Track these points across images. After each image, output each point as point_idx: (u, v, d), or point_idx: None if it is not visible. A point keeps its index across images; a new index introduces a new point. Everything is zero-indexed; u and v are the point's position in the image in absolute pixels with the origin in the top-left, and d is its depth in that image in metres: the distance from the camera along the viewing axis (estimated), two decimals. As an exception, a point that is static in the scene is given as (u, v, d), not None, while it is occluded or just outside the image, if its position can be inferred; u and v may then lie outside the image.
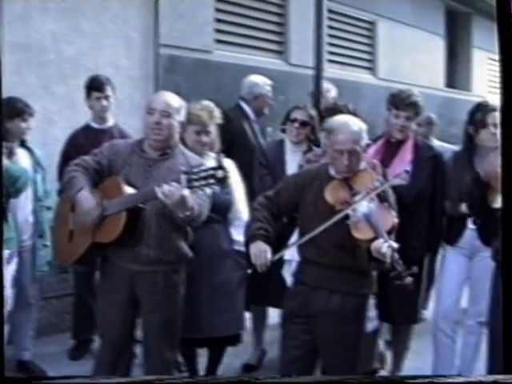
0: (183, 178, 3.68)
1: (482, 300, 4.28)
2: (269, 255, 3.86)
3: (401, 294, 4.74)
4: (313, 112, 5.52)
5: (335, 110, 5.15)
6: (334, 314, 3.96)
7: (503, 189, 0.96)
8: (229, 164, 4.79)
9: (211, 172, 3.66)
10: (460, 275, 5.05)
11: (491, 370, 4.02)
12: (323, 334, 4.01)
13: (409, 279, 3.65)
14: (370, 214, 3.79)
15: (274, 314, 5.65)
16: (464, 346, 5.20)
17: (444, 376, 5.02)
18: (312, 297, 4.00)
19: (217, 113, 4.79)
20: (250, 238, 3.99)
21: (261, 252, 3.87)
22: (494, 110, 4.88)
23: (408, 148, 4.98)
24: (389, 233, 3.75)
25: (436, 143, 6.76)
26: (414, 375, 4.83)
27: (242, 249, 4.80)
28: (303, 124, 5.39)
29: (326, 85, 6.74)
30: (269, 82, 6.72)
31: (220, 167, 3.71)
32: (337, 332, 3.97)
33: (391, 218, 3.86)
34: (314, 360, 4.13)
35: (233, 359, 5.43)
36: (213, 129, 4.73)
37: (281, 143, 5.55)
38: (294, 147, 5.42)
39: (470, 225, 4.82)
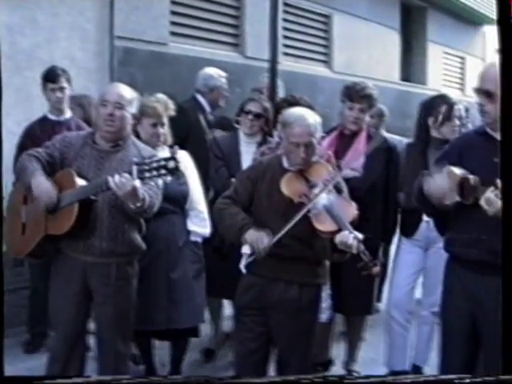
0: (135, 168, 3.68)
1: (436, 290, 4.32)
2: (266, 239, 3.87)
3: (355, 285, 4.83)
4: (267, 104, 5.53)
5: (291, 102, 5.18)
6: (290, 304, 3.98)
7: (503, 189, 0.98)
8: (184, 155, 4.79)
9: (163, 163, 3.66)
10: (414, 266, 5.10)
11: (444, 360, 4.07)
12: (280, 325, 4.03)
13: (376, 269, 3.70)
14: (331, 206, 3.82)
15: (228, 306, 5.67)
16: (418, 337, 5.26)
17: (397, 375, 5.11)
18: (269, 288, 4.02)
19: (171, 105, 4.80)
20: (239, 231, 3.97)
21: (258, 238, 3.89)
22: (456, 103, 4.98)
23: (362, 140, 5.02)
24: (351, 224, 3.78)
25: (386, 135, 6.82)
26: (367, 375, 4.88)
27: (199, 240, 4.81)
28: (257, 116, 5.38)
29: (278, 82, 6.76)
30: (224, 74, 6.72)
31: (171, 158, 3.71)
32: (293, 322, 4.00)
33: (352, 209, 3.90)
34: (269, 352, 4.16)
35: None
36: (166, 121, 4.74)
37: (235, 135, 5.54)
38: (248, 139, 5.43)
39: (425, 217, 4.88)
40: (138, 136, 4.54)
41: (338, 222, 3.75)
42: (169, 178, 3.69)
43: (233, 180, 4.85)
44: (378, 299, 5.92)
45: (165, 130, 4.71)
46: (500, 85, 1.01)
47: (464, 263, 3.84)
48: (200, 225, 4.80)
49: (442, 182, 3.70)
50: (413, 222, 4.99)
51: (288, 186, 3.93)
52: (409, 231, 5.05)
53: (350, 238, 3.66)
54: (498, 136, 3.80)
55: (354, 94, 5.02)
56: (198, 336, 5.07)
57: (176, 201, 4.67)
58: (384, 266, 5.76)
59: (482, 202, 3.54)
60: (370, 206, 4.81)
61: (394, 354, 5.20)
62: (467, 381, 2.44)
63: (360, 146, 4.99)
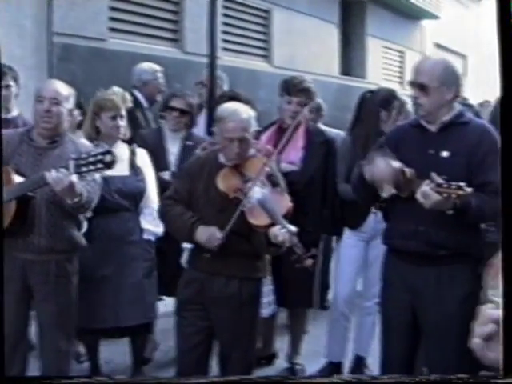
0: (71, 163, 3.68)
1: (379, 281, 4.37)
2: (219, 235, 3.89)
3: (296, 278, 4.86)
4: (192, 100, 5.52)
5: (231, 96, 5.18)
6: (231, 299, 4.00)
7: (503, 188, 0.99)
8: (143, 153, 4.82)
9: (99, 157, 3.66)
10: (358, 260, 5.17)
11: (385, 351, 4.13)
12: (221, 320, 4.04)
13: (309, 261, 3.75)
14: (265, 200, 3.85)
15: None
16: (361, 327, 5.31)
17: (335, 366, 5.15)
18: (209, 283, 4.03)
19: (128, 97, 4.81)
20: (189, 231, 3.97)
21: (211, 234, 3.90)
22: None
23: (300, 134, 5.05)
24: (285, 216, 3.82)
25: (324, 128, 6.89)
26: (320, 375, 4.94)
27: (152, 238, 4.79)
28: (182, 112, 5.38)
29: (219, 73, 6.76)
30: (158, 68, 6.70)
31: (108, 152, 3.71)
32: (235, 316, 4.01)
33: (286, 202, 3.93)
34: (211, 347, 4.17)
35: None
36: (125, 113, 4.74)
37: (159, 131, 5.53)
38: (172, 134, 5.40)
39: (373, 209, 4.92)
40: (97, 132, 4.56)
41: (272, 215, 3.79)
42: (105, 172, 3.70)
43: (159, 174, 4.93)
44: (326, 293, 5.97)
45: (123, 123, 4.71)
46: (500, 84, 1.04)
47: (402, 255, 3.91)
48: (154, 223, 4.75)
49: (384, 165, 3.76)
50: (361, 214, 5.03)
51: (223, 182, 3.96)
52: (356, 223, 5.10)
53: (283, 231, 3.71)
54: (432, 128, 3.88)
55: (292, 87, 5.05)
56: (151, 332, 5.06)
57: (132, 197, 4.66)
58: (327, 259, 5.82)
59: (418, 196, 3.59)
60: (309, 199, 4.87)
61: (333, 345, 5.25)
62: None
63: (298, 141, 5.02)
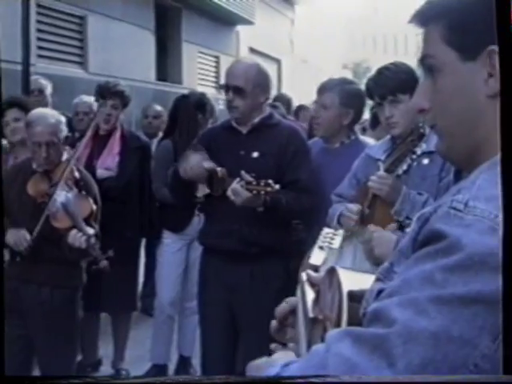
0: None
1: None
2: (27, 236, 3.85)
3: (116, 283, 4.87)
4: None
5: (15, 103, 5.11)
6: (43, 307, 3.96)
7: (503, 188, 1.03)
8: None
9: None
10: (183, 263, 5.25)
11: (204, 349, 4.20)
12: (35, 329, 4.00)
13: (104, 263, 3.80)
14: (68, 203, 3.88)
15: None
16: (185, 328, 5.39)
17: (161, 368, 5.18)
18: (22, 291, 3.97)
19: None
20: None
21: (18, 236, 3.86)
22: None
23: (116, 139, 5.07)
24: (87, 219, 3.85)
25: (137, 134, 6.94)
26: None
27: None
28: None
29: (43, 81, 6.64)
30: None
31: None
32: (47, 325, 3.97)
33: (89, 205, 3.98)
34: (31, 356, 4.11)
35: None
36: None
37: None
38: None
39: (197, 211, 5.01)
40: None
41: (73, 218, 3.83)
42: None
43: None
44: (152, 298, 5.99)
45: None
46: (500, 84, 1.10)
47: (217, 254, 4.00)
48: None
49: (196, 162, 3.86)
50: (185, 217, 5.12)
51: (32, 187, 3.96)
52: (180, 226, 5.19)
53: (78, 235, 3.76)
54: (243, 129, 4.01)
55: (106, 91, 5.08)
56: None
57: None
58: (152, 264, 5.83)
59: (229, 193, 3.71)
60: (126, 204, 4.90)
61: (158, 348, 5.30)
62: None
63: (114, 146, 5.04)
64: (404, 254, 1.27)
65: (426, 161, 3.14)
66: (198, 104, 5.27)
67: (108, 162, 4.94)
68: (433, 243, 1.16)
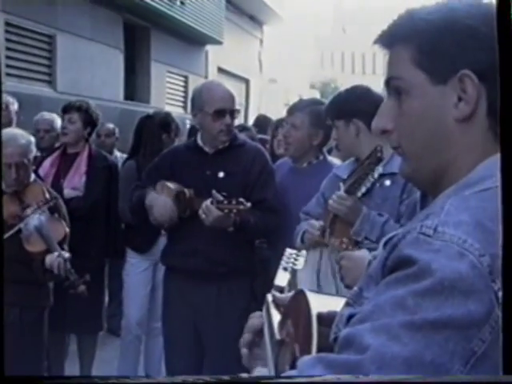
0: None
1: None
2: None
3: (82, 304, 4.84)
4: None
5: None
6: (12, 327, 3.92)
7: (504, 189, 1.02)
8: None
9: None
10: (150, 283, 5.25)
11: (169, 369, 4.21)
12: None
13: (81, 287, 3.80)
14: (41, 227, 3.87)
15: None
16: (151, 348, 5.39)
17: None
18: None
19: None
20: None
21: None
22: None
23: (83, 159, 5.06)
24: (61, 243, 3.85)
25: (117, 154, 6.95)
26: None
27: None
28: None
29: (9, 98, 6.62)
30: None
31: None
32: (17, 346, 3.93)
33: (62, 228, 3.97)
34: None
35: None
36: None
37: None
38: None
39: (163, 232, 5.02)
40: None
41: (47, 242, 3.83)
42: None
43: None
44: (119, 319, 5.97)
45: None
46: (500, 86, 1.09)
47: (182, 273, 4.01)
48: None
49: (165, 206, 3.88)
50: (149, 237, 5.12)
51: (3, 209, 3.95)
52: (145, 246, 5.19)
53: (56, 258, 3.76)
54: (209, 150, 4.03)
55: (66, 106, 5.10)
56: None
57: None
58: (116, 284, 5.81)
59: (200, 212, 3.73)
60: (92, 224, 4.89)
61: (125, 368, 5.27)
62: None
63: (82, 166, 5.04)
64: (374, 279, 1.27)
65: (387, 182, 3.19)
66: (162, 123, 5.28)
67: (75, 182, 4.93)
68: (403, 269, 1.16)
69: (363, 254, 2.92)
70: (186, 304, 4.00)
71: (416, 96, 1.33)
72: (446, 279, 1.10)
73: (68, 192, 4.83)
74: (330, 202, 3.22)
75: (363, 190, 3.13)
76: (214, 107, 3.96)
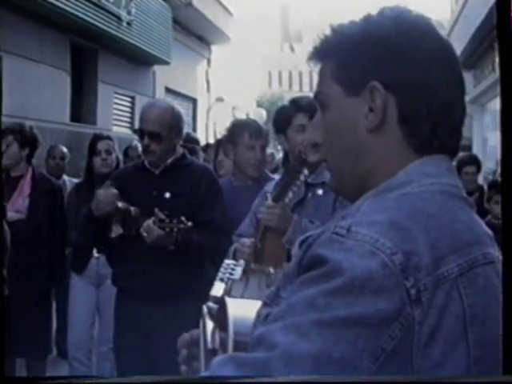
0: None
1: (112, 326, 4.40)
2: None
3: (31, 327, 4.80)
4: None
5: None
6: None
7: (504, 189, 1.01)
8: None
9: None
10: (89, 303, 5.19)
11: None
12: None
13: None
14: None
15: None
16: (101, 372, 5.30)
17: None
18: None
19: None
20: None
21: None
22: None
23: (27, 181, 5.02)
24: None
25: (65, 178, 6.90)
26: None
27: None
28: None
29: None
30: None
31: None
32: None
33: None
34: None
35: None
36: None
37: None
38: None
39: (96, 253, 4.99)
40: None
41: None
42: None
43: None
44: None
45: None
46: (500, 84, 1.09)
47: (131, 295, 3.98)
48: None
49: (107, 196, 3.86)
50: (82, 258, 5.10)
51: None
52: (79, 267, 5.14)
53: None
54: (155, 170, 4.03)
55: (3, 130, 5.03)
56: None
57: None
58: (62, 307, 5.75)
59: (142, 230, 3.73)
60: (36, 247, 4.85)
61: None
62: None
63: (25, 189, 4.99)
64: (289, 278, 1.27)
65: (320, 191, 3.21)
66: (90, 147, 5.30)
67: (18, 205, 4.89)
68: (315, 268, 1.17)
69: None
70: (136, 326, 3.95)
71: (333, 109, 1.36)
72: (356, 278, 1.12)
73: (11, 215, 4.78)
74: (260, 214, 3.22)
75: (290, 195, 3.13)
76: (136, 128, 4.13)
